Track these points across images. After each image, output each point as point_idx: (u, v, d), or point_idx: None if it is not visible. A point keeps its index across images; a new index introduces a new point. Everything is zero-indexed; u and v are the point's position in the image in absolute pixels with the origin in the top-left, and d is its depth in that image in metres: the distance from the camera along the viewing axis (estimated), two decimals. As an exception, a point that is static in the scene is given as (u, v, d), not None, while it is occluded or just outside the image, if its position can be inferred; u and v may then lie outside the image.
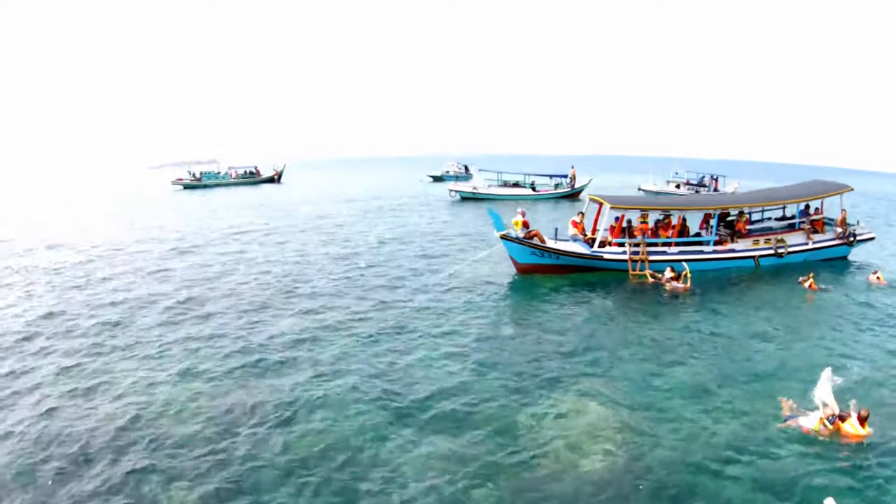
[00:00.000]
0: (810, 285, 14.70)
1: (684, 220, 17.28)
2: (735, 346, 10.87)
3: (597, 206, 17.06)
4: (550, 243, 15.76)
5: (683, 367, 9.86)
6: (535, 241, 15.41)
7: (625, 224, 16.56)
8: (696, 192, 38.40)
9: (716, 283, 15.18)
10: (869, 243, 19.06)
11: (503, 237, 15.24)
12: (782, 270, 16.74)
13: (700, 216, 17.74)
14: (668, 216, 16.95)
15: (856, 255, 19.01)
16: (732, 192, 40.28)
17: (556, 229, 16.60)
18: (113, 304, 13.49)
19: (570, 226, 16.97)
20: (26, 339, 11.28)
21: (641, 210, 16.42)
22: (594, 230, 17.07)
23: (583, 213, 17.29)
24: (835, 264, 17.93)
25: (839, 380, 8.63)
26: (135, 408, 8.44)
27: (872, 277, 15.37)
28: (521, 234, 15.39)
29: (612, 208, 15.90)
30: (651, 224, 16.76)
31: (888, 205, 43.66)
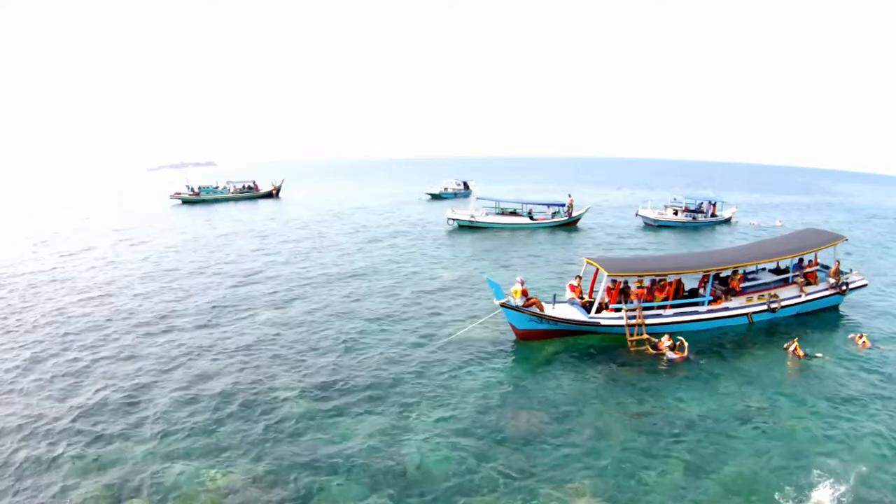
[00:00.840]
0: (795, 350, 14.93)
1: (680, 278, 17.67)
2: (722, 433, 11.23)
3: (594, 269, 17.45)
4: (548, 309, 16.15)
5: (671, 461, 10.24)
6: (534, 308, 15.79)
7: (622, 286, 16.93)
8: (694, 218, 38.80)
9: (710, 348, 15.51)
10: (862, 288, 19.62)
11: (503, 305, 15.61)
12: (775, 327, 17.24)
13: (697, 276, 18.13)
14: (663, 278, 17.34)
15: (848, 300, 19.58)
16: (730, 218, 40.74)
17: (555, 295, 17.00)
18: (122, 380, 13.82)
19: (568, 289, 17.36)
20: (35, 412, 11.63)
21: (638, 276, 16.79)
22: (591, 293, 17.48)
23: (580, 277, 17.68)
24: (824, 318, 18.37)
25: (820, 480, 9.33)
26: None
27: (858, 342, 15.73)
28: (519, 302, 15.77)
29: (609, 276, 16.28)
30: (647, 283, 17.15)
31: (885, 225, 43.83)
